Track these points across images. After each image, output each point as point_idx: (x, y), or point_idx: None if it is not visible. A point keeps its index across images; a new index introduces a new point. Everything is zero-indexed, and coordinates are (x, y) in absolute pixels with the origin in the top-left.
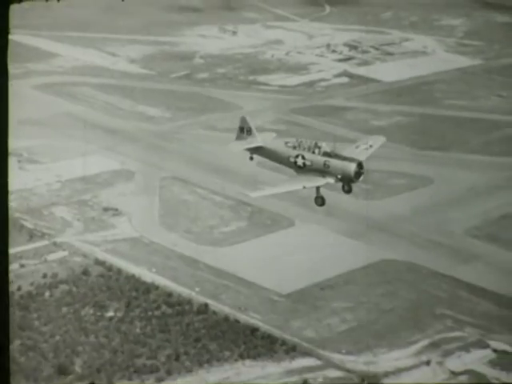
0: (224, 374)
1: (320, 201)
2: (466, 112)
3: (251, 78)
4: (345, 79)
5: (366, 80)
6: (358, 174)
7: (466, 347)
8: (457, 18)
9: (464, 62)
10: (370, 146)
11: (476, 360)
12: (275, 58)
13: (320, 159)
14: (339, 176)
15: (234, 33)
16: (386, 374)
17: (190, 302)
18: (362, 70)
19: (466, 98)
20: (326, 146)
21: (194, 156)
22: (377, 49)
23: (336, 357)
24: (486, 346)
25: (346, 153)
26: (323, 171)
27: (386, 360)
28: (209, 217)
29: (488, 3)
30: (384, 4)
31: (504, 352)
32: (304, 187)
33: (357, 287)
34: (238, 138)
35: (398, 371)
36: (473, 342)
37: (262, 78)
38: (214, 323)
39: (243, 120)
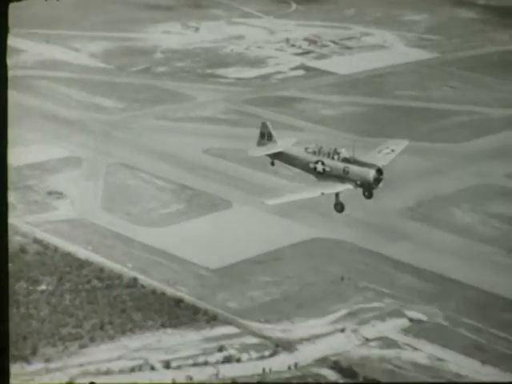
0: (145, 341)
1: (339, 207)
2: (416, 102)
3: (209, 71)
4: (301, 72)
5: (322, 73)
6: (377, 180)
7: (383, 316)
8: (420, 13)
9: (421, 55)
10: (392, 151)
11: (390, 328)
12: (235, 52)
13: (339, 165)
14: (358, 182)
15: (197, 29)
16: (301, 341)
17: (120, 276)
18: (318, 64)
19: (417, 89)
20: (345, 152)
21: (143, 144)
22: (336, 43)
23: (254, 325)
24: (403, 316)
25: (367, 157)
26: (342, 177)
27: (302, 328)
28: (149, 200)
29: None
30: (350, 2)
31: (419, 320)
32: (322, 193)
33: (284, 263)
34: (259, 143)
35: (313, 338)
36: (390, 311)
37: (219, 71)
38: (141, 296)
39: (264, 126)
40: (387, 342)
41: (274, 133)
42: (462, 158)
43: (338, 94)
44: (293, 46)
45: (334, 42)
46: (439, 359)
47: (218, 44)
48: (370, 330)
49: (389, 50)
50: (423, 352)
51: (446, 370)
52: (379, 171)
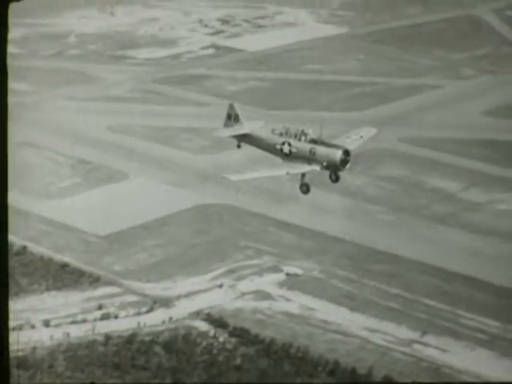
0: (30, 303)
1: (305, 188)
2: (321, 75)
3: (120, 52)
4: (211, 51)
5: (231, 50)
6: (344, 161)
7: (260, 272)
8: None
9: (331, 30)
10: (361, 137)
11: (267, 283)
12: (148, 33)
13: (306, 146)
14: (325, 163)
15: (112, 13)
16: (178, 297)
17: (11, 245)
18: (229, 42)
19: (324, 63)
20: (312, 133)
21: (49, 123)
22: (248, 22)
23: (136, 285)
24: (280, 271)
25: (336, 142)
26: (309, 158)
27: (182, 285)
28: (48, 174)
29: None
30: None
31: (294, 274)
32: (287, 173)
33: (171, 228)
34: (226, 124)
35: (191, 294)
36: (268, 267)
37: (130, 53)
38: (29, 262)
39: (231, 107)
40: (261, 295)
41: (240, 114)
42: (360, 125)
43: (245, 70)
44: (206, 26)
45: (246, 21)
46: (310, 308)
47: (131, 27)
48: (246, 285)
49: (300, 26)
50: (295, 302)
51: (315, 317)
52: (346, 152)
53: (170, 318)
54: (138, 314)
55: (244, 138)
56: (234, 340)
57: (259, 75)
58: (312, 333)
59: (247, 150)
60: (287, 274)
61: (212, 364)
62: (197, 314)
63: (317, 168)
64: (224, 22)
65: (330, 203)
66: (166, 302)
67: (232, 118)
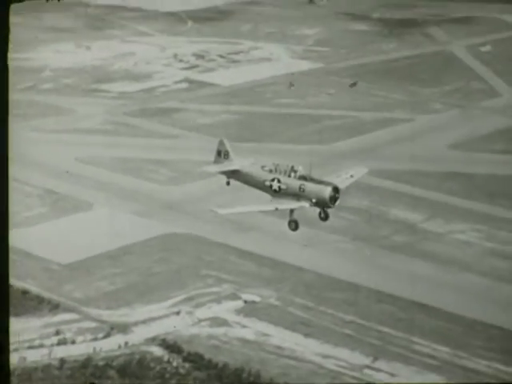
0: None
1: (293, 225)
2: (292, 109)
3: (94, 86)
4: (184, 85)
5: (205, 85)
6: (334, 198)
7: (219, 300)
8: (313, 28)
9: (305, 65)
10: (351, 176)
11: (224, 310)
12: (122, 68)
13: (296, 182)
14: (314, 200)
15: (89, 47)
16: (136, 323)
17: None
18: (203, 77)
19: (296, 97)
20: (302, 170)
21: (18, 154)
22: (223, 57)
23: (95, 311)
24: (238, 298)
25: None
26: (298, 195)
27: (140, 312)
28: (15, 204)
29: (348, 14)
30: (247, 19)
31: (252, 302)
32: (276, 209)
33: (134, 256)
34: (216, 161)
35: (148, 320)
36: (226, 295)
37: (104, 87)
38: None
39: (221, 143)
40: (218, 322)
41: (231, 151)
42: (326, 158)
43: (218, 103)
44: (181, 61)
45: (221, 56)
46: (265, 334)
47: (107, 61)
48: (204, 312)
49: (274, 62)
50: (251, 329)
51: (270, 343)
52: (335, 189)
53: (126, 343)
54: (95, 339)
55: (233, 175)
56: (187, 365)
57: (231, 109)
58: (265, 358)
59: (216, 180)
60: (245, 302)
61: None
62: (152, 340)
63: (306, 204)
64: (199, 56)
65: (291, 232)
66: (124, 328)
67: (222, 154)
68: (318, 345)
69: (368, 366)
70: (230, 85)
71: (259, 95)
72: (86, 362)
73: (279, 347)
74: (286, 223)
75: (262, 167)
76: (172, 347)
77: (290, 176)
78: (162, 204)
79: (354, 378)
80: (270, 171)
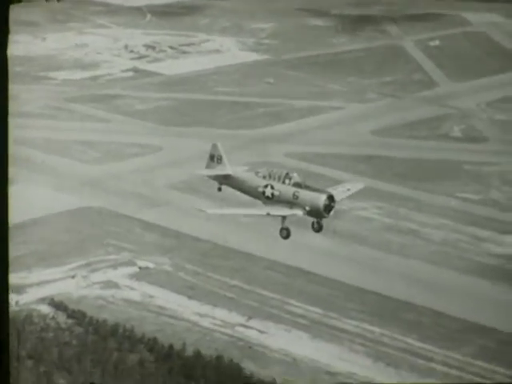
0: None
1: (285, 233)
2: (230, 96)
3: (42, 74)
4: (130, 74)
5: (150, 74)
6: (328, 207)
7: (115, 266)
8: (270, 22)
9: (251, 57)
10: (348, 190)
11: (119, 275)
12: (73, 58)
13: (289, 189)
14: (308, 208)
15: (44, 39)
16: (31, 285)
17: None
18: (150, 66)
19: (235, 86)
20: (297, 177)
21: None
22: (174, 48)
23: None
24: (133, 265)
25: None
26: (292, 202)
27: (37, 275)
28: None
29: (308, 9)
30: (206, 14)
31: (146, 268)
32: (268, 214)
33: (43, 227)
34: (208, 166)
35: (44, 282)
36: (123, 262)
37: (52, 74)
38: None
39: (214, 147)
40: (109, 285)
41: (224, 156)
42: (250, 141)
43: (158, 91)
44: (131, 51)
45: (171, 47)
46: (150, 296)
47: (60, 51)
48: (99, 276)
49: (222, 53)
50: (138, 291)
51: (153, 304)
52: (330, 198)
53: (17, 302)
54: None
55: (225, 180)
56: (70, 321)
57: (170, 96)
58: (146, 316)
59: (136, 162)
60: (139, 268)
61: (42, 339)
62: (43, 300)
63: (299, 212)
64: (149, 47)
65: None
66: (18, 289)
67: (215, 159)
68: (198, 306)
69: (241, 325)
70: (173, 74)
71: (200, 84)
72: None
73: (161, 307)
74: (196, 199)
75: (256, 173)
76: (59, 306)
77: (284, 183)
78: (81, 181)
79: (225, 334)
80: (264, 177)
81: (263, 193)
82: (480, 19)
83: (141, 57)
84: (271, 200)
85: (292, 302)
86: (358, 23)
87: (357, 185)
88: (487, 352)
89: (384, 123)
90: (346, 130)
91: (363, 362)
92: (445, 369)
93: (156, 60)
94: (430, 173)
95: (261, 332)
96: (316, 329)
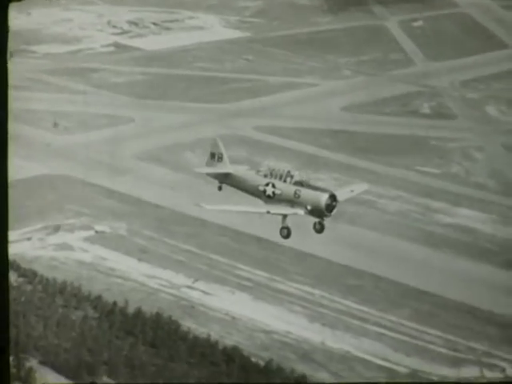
0: None
1: (285, 232)
2: (206, 72)
3: (23, 47)
4: (111, 49)
5: (130, 49)
6: (330, 206)
7: (72, 230)
8: (255, 0)
9: (233, 34)
10: (352, 191)
11: (74, 238)
12: (57, 32)
13: (291, 188)
14: (309, 207)
15: (29, 14)
16: None
17: None
18: (131, 42)
19: (213, 62)
20: (298, 175)
21: None
22: (157, 24)
23: None
24: (90, 229)
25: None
26: (293, 201)
27: None
28: None
29: None
30: None
31: (102, 232)
32: (268, 212)
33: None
34: (208, 164)
35: None
36: (81, 226)
37: (33, 48)
38: None
39: (215, 145)
40: (63, 247)
41: (225, 154)
42: (220, 115)
43: (137, 65)
44: (114, 27)
45: (154, 23)
46: (102, 258)
47: (43, 26)
48: (54, 239)
49: (205, 30)
50: (90, 253)
51: (104, 265)
52: (333, 197)
53: None
54: None
55: (226, 179)
56: (20, 279)
57: (147, 70)
58: (94, 276)
59: (106, 133)
60: (96, 232)
61: None
62: None
63: (301, 212)
64: (133, 23)
65: (162, 177)
66: None
67: (216, 157)
68: (148, 268)
69: (187, 286)
70: (153, 49)
71: (179, 59)
72: None
73: (111, 269)
74: (162, 170)
75: (257, 171)
76: (11, 265)
77: (285, 181)
78: (49, 150)
79: (170, 294)
80: (265, 176)
81: (264, 191)
82: (467, 0)
83: (123, 32)
84: (272, 199)
85: (240, 266)
86: (344, 4)
87: (360, 186)
88: (420, 315)
89: (355, 100)
90: (316, 106)
91: (300, 322)
92: (379, 329)
93: (138, 35)
94: (392, 147)
95: (205, 293)
96: (259, 291)
